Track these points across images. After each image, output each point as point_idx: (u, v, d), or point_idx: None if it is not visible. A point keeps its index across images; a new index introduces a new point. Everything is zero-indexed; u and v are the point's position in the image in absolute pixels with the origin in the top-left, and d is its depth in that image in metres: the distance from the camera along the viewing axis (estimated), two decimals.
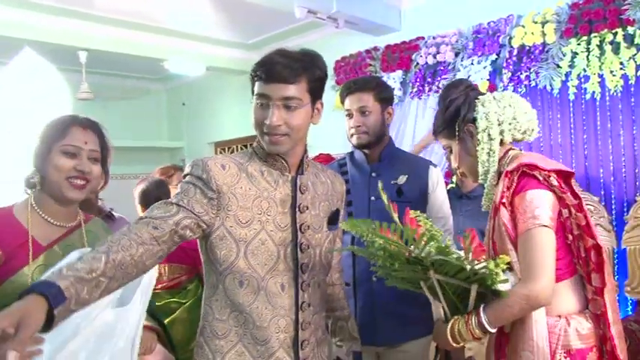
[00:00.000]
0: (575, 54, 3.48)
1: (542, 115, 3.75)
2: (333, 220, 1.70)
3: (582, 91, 3.52)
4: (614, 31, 3.31)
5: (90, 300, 1.26)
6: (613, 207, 3.47)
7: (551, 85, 3.63)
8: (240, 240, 1.51)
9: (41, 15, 4.73)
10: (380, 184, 1.62)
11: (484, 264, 1.46)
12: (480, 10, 4.13)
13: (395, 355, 2.25)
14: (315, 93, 1.56)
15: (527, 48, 3.72)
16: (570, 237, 1.59)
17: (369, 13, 4.54)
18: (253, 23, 5.27)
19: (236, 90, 6.42)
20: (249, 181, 1.53)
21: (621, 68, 3.31)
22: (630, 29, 3.24)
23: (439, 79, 4.24)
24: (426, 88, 4.35)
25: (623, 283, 3.25)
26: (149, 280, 1.70)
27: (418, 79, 4.41)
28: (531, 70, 3.71)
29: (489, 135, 1.68)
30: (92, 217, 1.86)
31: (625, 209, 3.38)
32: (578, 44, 3.45)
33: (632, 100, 3.36)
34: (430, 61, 4.29)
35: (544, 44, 3.64)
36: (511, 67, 3.80)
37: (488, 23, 4.01)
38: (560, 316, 1.57)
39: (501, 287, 1.48)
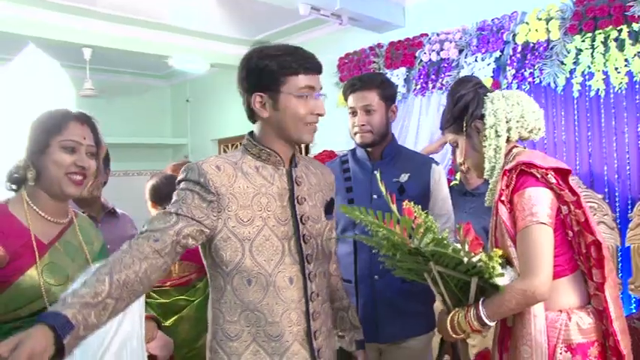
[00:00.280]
0: (579, 51, 3.47)
1: (547, 113, 3.73)
2: (328, 209, 1.72)
3: (586, 88, 3.52)
4: (618, 28, 3.30)
5: (99, 324, 1.26)
6: (617, 205, 3.46)
7: (555, 83, 3.62)
8: (245, 239, 1.51)
9: (45, 12, 4.74)
10: (378, 175, 1.64)
11: (479, 257, 1.48)
12: (484, 6, 4.13)
13: (397, 351, 2.26)
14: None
15: (532, 45, 3.71)
16: (570, 233, 1.62)
17: (373, 9, 4.53)
18: (257, 20, 5.27)
19: None
20: (245, 179, 1.54)
21: (626, 65, 3.30)
22: (635, 26, 3.22)
23: (443, 76, 4.24)
24: (430, 85, 4.34)
25: (627, 281, 3.25)
26: None
27: (422, 76, 4.40)
28: (535, 67, 3.70)
29: (497, 132, 1.69)
30: (78, 212, 1.83)
31: (629, 207, 3.38)
32: (583, 41, 3.44)
33: (637, 97, 3.35)
34: (434, 58, 4.29)
35: (548, 41, 3.62)
36: (515, 64, 3.79)
37: (492, 20, 4.00)
38: (561, 311, 1.59)
39: (498, 281, 1.50)
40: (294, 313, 1.56)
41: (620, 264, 3.32)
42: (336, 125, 3.82)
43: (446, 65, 4.23)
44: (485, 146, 1.72)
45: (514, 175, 1.60)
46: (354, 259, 2.24)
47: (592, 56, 3.41)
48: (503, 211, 1.61)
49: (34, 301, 1.55)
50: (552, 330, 1.57)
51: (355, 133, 2.27)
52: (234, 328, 1.53)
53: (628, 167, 3.42)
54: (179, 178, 1.54)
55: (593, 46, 3.41)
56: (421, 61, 4.40)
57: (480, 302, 1.53)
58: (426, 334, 2.30)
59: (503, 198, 1.61)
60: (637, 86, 3.34)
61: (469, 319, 1.54)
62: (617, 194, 3.47)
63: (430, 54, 4.31)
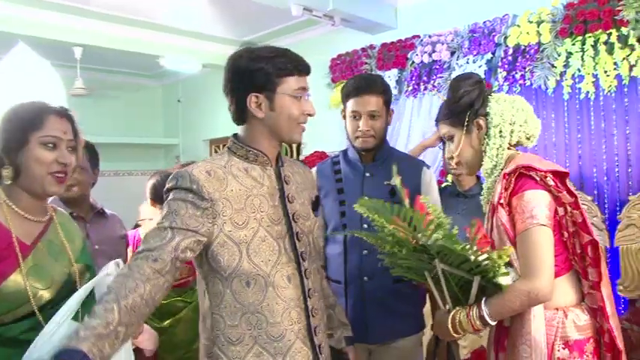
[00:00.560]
0: (569, 54, 3.50)
1: (537, 115, 3.70)
2: (315, 207, 1.74)
3: (577, 90, 3.54)
4: (608, 32, 3.33)
5: (112, 352, 1.28)
6: (606, 206, 3.49)
7: (545, 85, 3.64)
8: (241, 242, 1.50)
9: (36, 10, 4.71)
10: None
11: (486, 255, 1.49)
12: (476, 9, 4.15)
13: (387, 351, 2.26)
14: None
15: (523, 47, 3.73)
16: (566, 234, 1.64)
17: (365, 11, 4.54)
18: (250, 20, 5.26)
19: None
20: (236, 182, 1.54)
21: (615, 68, 3.33)
22: (624, 30, 3.25)
23: (435, 77, 4.25)
24: (422, 87, 4.36)
25: (615, 282, 3.27)
26: None
27: (414, 78, 4.42)
28: (526, 70, 3.72)
29: (501, 132, 1.73)
30: (56, 208, 1.73)
31: (618, 208, 3.40)
32: (573, 44, 3.47)
33: (626, 100, 3.38)
34: (426, 59, 4.30)
35: (539, 44, 3.65)
36: (506, 66, 3.81)
37: (484, 22, 4.02)
38: (557, 309, 1.62)
39: (502, 280, 1.51)
40: (294, 311, 1.56)
41: (609, 265, 3.34)
42: (327, 126, 3.83)
43: (438, 67, 4.25)
44: (487, 145, 1.74)
45: (513, 179, 1.62)
46: (344, 259, 2.24)
47: (582, 59, 3.44)
48: (503, 214, 1.63)
49: (20, 306, 1.47)
50: (550, 328, 1.60)
51: (357, 138, 2.25)
52: (235, 332, 1.52)
53: (617, 169, 3.45)
54: (168, 186, 1.53)
55: (583, 49, 3.43)
56: (413, 62, 4.42)
57: (483, 302, 1.55)
58: (416, 335, 2.31)
59: (502, 201, 1.63)
60: (626, 89, 3.36)
61: (471, 319, 1.55)
62: (606, 196, 3.49)
63: (422, 55, 4.33)
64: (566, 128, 3.66)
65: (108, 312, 1.28)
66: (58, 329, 1.37)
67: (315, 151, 4.90)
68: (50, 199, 1.72)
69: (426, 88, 4.32)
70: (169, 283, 1.43)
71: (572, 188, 1.67)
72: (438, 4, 4.50)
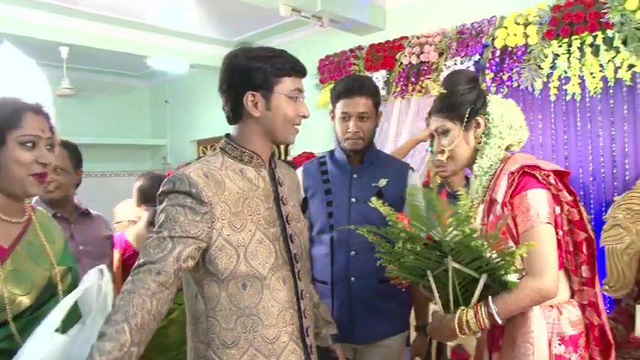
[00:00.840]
0: (556, 55, 3.53)
1: (524, 116, 3.77)
2: (304, 208, 1.77)
3: (563, 92, 3.57)
4: (594, 34, 3.36)
5: None
6: (592, 207, 3.52)
7: (532, 86, 3.67)
8: (239, 245, 1.50)
9: (21, 9, 4.66)
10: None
11: (503, 252, 1.49)
12: (464, 10, 4.16)
13: (373, 350, 2.27)
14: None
15: (510, 49, 3.76)
16: (560, 232, 1.66)
17: (354, 12, 4.55)
18: (238, 21, 5.25)
19: None
20: (233, 184, 1.53)
21: (601, 70, 3.36)
22: (609, 32, 3.28)
23: (423, 78, 4.26)
24: (410, 88, 4.37)
25: (601, 282, 3.29)
26: (108, 297, 1.52)
27: (402, 79, 4.43)
28: (513, 71, 3.75)
29: (501, 133, 1.74)
30: (35, 207, 1.65)
31: (603, 209, 3.43)
32: (560, 46, 3.50)
33: (611, 101, 3.41)
34: (414, 60, 4.32)
35: (526, 45, 3.67)
36: (494, 67, 3.83)
37: (472, 24, 4.04)
38: (552, 306, 1.64)
39: (511, 278, 1.52)
40: (287, 313, 1.57)
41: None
42: (315, 127, 3.82)
43: (426, 68, 4.26)
44: (487, 144, 1.74)
45: (516, 177, 1.63)
46: (330, 260, 2.25)
47: (568, 61, 3.47)
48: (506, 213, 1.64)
49: None
50: (547, 325, 1.62)
51: (346, 139, 2.26)
52: (230, 335, 1.51)
53: (602, 170, 3.48)
54: (164, 189, 1.49)
55: (569, 51, 3.46)
56: (401, 63, 4.43)
57: (490, 300, 1.54)
58: (402, 334, 2.33)
59: (505, 200, 1.64)
60: (611, 91, 3.40)
61: (480, 318, 1.53)
62: (592, 196, 3.53)
63: (410, 57, 4.34)
64: (553, 129, 3.69)
65: (120, 333, 1.27)
66: (42, 345, 1.32)
67: (304, 152, 4.89)
68: (33, 200, 1.68)
69: (414, 90, 4.34)
70: (173, 294, 1.42)
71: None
72: (426, 6, 4.51)
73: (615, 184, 3.44)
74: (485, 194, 1.76)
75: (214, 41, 5.81)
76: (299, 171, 2.31)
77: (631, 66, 3.24)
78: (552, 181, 1.64)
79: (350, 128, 2.23)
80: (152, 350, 2.33)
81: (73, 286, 1.52)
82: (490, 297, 1.55)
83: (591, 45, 3.37)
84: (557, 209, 1.65)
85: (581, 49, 3.42)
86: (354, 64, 4.78)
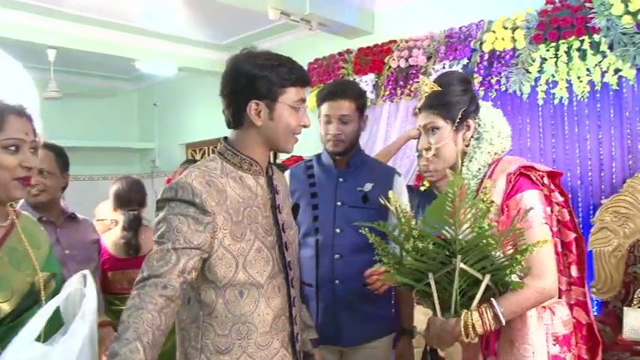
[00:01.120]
0: (544, 60, 3.55)
1: (512, 120, 3.80)
2: (295, 215, 1.75)
3: (551, 96, 3.59)
4: (581, 39, 3.38)
5: None
6: (580, 210, 3.54)
7: (520, 90, 3.69)
8: (239, 255, 1.49)
9: (8, 11, 4.62)
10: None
11: (512, 251, 1.48)
12: (452, 14, 4.19)
13: (358, 353, 2.28)
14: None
15: (498, 53, 3.78)
16: (550, 233, 1.66)
17: (342, 15, 4.55)
18: (226, 24, 5.24)
19: (208, 91, 6.35)
20: (234, 193, 1.52)
21: (588, 74, 3.38)
22: (596, 37, 3.31)
23: (411, 82, 4.28)
24: (398, 92, 4.38)
25: (589, 285, 3.32)
26: (92, 304, 1.49)
27: (390, 82, 4.44)
28: (501, 75, 3.77)
29: (491, 139, 1.74)
30: (19, 211, 1.60)
31: (591, 212, 3.46)
32: (547, 50, 3.52)
33: (598, 105, 3.44)
34: (402, 64, 4.33)
35: (514, 49, 3.69)
36: (482, 71, 3.85)
37: (460, 28, 4.06)
38: (545, 307, 1.64)
39: (515, 278, 1.51)
40: (280, 320, 1.58)
41: None
42: (304, 130, 3.80)
43: (414, 72, 4.27)
44: (478, 148, 1.74)
45: (512, 178, 1.63)
46: (315, 263, 2.25)
47: (556, 65, 3.49)
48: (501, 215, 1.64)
49: None
50: (544, 326, 1.62)
51: (328, 141, 2.28)
52: (225, 341, 1.51)
53: (590, 173, 3.50)
54: (166, 196, 1.46)
55: (557, 55, 3.49)
56: (390, 67, 4.44)
57: (494, 301, 1.52)
58: (388, 336, 2.34)
59: (504, 200, 1.64)
60: (598, 95, 3.42)
61: (485, 320, 1.51)
62: (579, 199, 3.55)
63: (399, 60, 4.35)
64: (541, 133, 3.71)
65: (134, 353, 1.25)
66: (21, 353, 1.28)
67: (293, 155, 4.89)
68: (19, 204, 1.66)
69: (402, 93, 4.35)
70: (179, 305, 1.41)
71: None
72: (415, 10, 4.53)
73: (603, 187, 3.46)
74: (473, 198, 1.76)
75: (203, 44, 5.80)
76: (286, 174, 2.32)
77: (617, 70, 3.27)
78: (546, 181, 1.66)
79: (331, 130, 2.25)
80: None
81: (58, 292, 1.49)
82: (492, 299, 1.53)
83: (578, 49, 3.40)
84: (548, 210, 1.66)
85: (568, 53, 3.44)
86: (343, 67, 4.78)
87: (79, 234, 2.47)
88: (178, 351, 1.60)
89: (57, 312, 1.43)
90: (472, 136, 1.75)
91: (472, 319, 1.51)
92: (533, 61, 3.59)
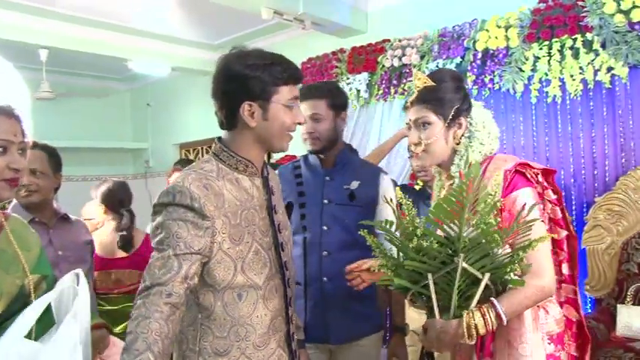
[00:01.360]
0: (537, 58, 3.56)
1: (506, 118, 3.82)
2: (289, 214, 1.73)
3: (544, 94, 3.61)
4: (573, 37, 3.39)
5: None
6: (573, 207, 3.55)
7: (514, 89, 3.70)
8: (238, 258, 1.48)
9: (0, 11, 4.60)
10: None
11: (516, 247, 1.47)
12: (445, 13, 4.19)
13: (348, 351, 2.29)
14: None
15: (491, 52, 3.78)
16: None
17: (336, 15, 4.56)
18: (220, 24, 5.23)
19: (202, 91, 6.32)
20: (231, 195, 1.51)
21: (581, 73, 3.40)
22: (589, 35, 3.32)
23: (405, 81, 4.28)
24: (392, 90, 4.38)
25: (582, 282, 3.33)
26: (84, 303, 1.45)
27: (384, 81, 4.44)
28: (495, 74, 3.78)
29: (482, 139, 1.72)
30: (9, 214, 1.57)
31: (584, 210, 3.47)
32: (540, 49, 3.53)
33: (591, 103, 3.45)
34: (396, 63, 4.33)
35: (507, 48, 3.70)
36: (475, 70, 3.86)
37: (453, 27, 4.06)
38: (538, 306, 1.64)
39: (514, 276, 1.49)
40: (277, 320, 1.58)
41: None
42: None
43: (408, 71, 4.28)
44: (470, 147, 1.71)
45: (508, 175, 1.62)
46: (303, 261, 2.27)
47: (549, 63, 3.50)
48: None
49: None
50: (540, 325, 1.62)
51: (304, 140, 2.33)
52: (223, 343, 1.50)
53: (583, 171, 3.52)
54: (163, 201, 1.44)
55: (549, 53, 3.50)
56: (383, 66, 4.44)
57: (495, 301, 1.50)
58: (376, 334, 2.35)
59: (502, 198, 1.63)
60: (591, 93, 3.44)
61: (487, 320, 1.48)
62: (573, 197, 3.56)
63: (392, 59, 4.35)
64: (534, 131, 3.72)
65: None
66: (10, 348, 1.26)
67: (286, 155, 4.88)
68: (11, 205, 1.64)
69: (396, 92, 4.35)
70: (184, 312, 1.41)
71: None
72: (408, 9, 4.54)
73: (596, 185, 3.47)
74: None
75: (196, 44, 5.79)
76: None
77: (610, 68, 3.29)
78: (540, 179, 1.66)
79: (305, 129, 2.30)
80: None
81: None
82: (493, 298, 1.51)
83: (571, 48, 3.41)
84: (540, 207, 1.66)
85: (561, 51, 3.45)
86: (337, 66, 4.78)
87: (72, 235, 2.46)
88: (176, 353, 1.59)
89: (49, 311, 1.41)
90: (463, 135, 1.73)
91: (475, 320, 1.48)
92: (527, 60, 3.60)
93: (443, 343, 1.53)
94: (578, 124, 3.52)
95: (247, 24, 5.20)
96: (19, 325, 1.31)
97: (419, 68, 4.19)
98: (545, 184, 1.68)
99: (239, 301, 1.50)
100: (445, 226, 1.44)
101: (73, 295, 1.45)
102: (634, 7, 3.15)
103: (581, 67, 3.39)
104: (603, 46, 3.29)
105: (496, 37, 3.73)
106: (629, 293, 3.09)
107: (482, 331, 1.48)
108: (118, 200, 3.05)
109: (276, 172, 2.37)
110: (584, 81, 3.41)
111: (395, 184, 3.25)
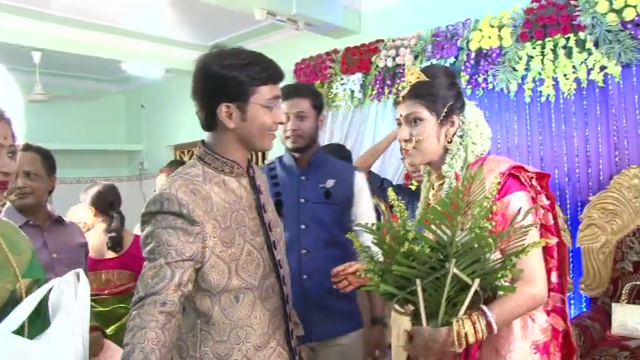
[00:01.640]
0: (530, 57, 3.57)
1: (500, 117, 3.83)
2: (279, 212, 1.75)
3: (537, 93, 3.62)
4: (566, 36, 3.41)
5: None
6: (568, 206, 3.56)
7: (507, 88, 3.71)
8: (231, 260, 1.47)
9: None
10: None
11: (508, 252, 1.42)
12: (439, 13, 4.20)
13: (329, 349, 2.32)
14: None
15: (485, 51, 3.79)
16: None
17: (329, 15, 4.55)
18: (213, 25, 5.22)
19: None
20: (219, 198, 1.49)
21: (574, 72, 3.41)
22: (582, 34, 3.33)
23: (398, 81, 4.28)
24: (386, 91, 4.39)
25: (577, 281, 3.34)
26: (80, 301, 1.42)
27: (378, 82, 4.44)
28: (488, 73, 3.78)
29: (474, 138, 1.67)
30: None
31: (579, 209, 3.48)
32: (534, 48, 3.54)
33: (585, 102, 3.46)
34: (390, 63, 4.33)
35: (501, 48, 3.71)
36: (469, 69, 3.87)
37: (447, 27, 4.07)
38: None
39: (505, 282, 1.43)
40: (275, 319, 1.57)
41: (572, 264, 3.41)
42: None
43: (401, 71, 4.27)
44: (462, 145, 1.66)
45: (501, 179, 1.56)
46: None
47: (542, 63, 3.51)
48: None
49: None
50: (527, 334, 1.57)
51: (287, 138, 2.35)
52: (224, 347, 1.49)
53: (577, 170, 3.53)
54: (151, 209, 1.43)
55: (543, 53, 3.51)
56: (377, 66, 4.44)
57: (485, 308, 1.44)
58: (356, 331, 2.38)
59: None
60: (584, 92, 3.45)
61: (478, 328, 1.42)
62: (567, 196, 3.57)
63: (386, 59, 4.36)
64: (528, 130, 3.73)
65: None
66: (1, 346, 1.24)
67: (277, 157, 4.89)
68: (4, 208, 1.62)
69: (390, 92, 4.36)
70: (180, 320, 1.40)
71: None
72: (401, 9, 4.54)
73: (590, 184, 3.48)
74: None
75: (189, 45, 5.77)
76: None
77: (603, 67, 3.30)
78: (534, 183, 1.61)
79: (289, 127, 2.32)
80: None
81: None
82: (483, 306, 1.44)
83: (564, 47, 3.42)
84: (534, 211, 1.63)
85: (554, 51, 3.46)
86: (330, 67, 4.78)
87: (66, 238, 2.45)
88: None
89: (45, 312, 1.39)
90: (455, 133, 1.67)
91: (465, 328, 1.41)
92: (520, 59, 3.61)
93: (430, 352, 1.46)
94: (572, 123, 3.53)
95: (241, 25, 5.19)
96: (9, 321, 1.28)
97: None
98: (539, 188, 1.64)
99: (236, 304, 1.49)
100: (437, 230, 1.38)
101: (69, 294, 1.42)
102: (626, 6, 3.17)
103: (574, 66, 3.40)
104: (596, 45, 3.30)
105: (489, 37, 3.74)
106: (623, 292, 3.10)
107: (471, 339, 1.41)
108: (108, 203, 3.11)
109: None
110: (577, 80, 3.42)
111: (390, 184, 3.26)
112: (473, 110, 1.73)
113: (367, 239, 1.55)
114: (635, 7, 3.15)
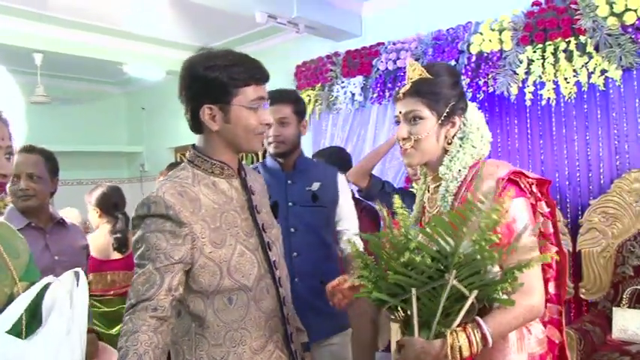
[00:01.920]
0: (531, 61, 3.57)
1: (500, 121, 3.83)
2: (275, 214, 1.75)
3: (538, 97, 3.61)
4: (567, 40, 3.41)
5: None
6: (568, 210, 3.56)
7: (508, 92, 3.70)
8: (222, 261, 1.46)
9: None
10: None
11: (507, 267, 1.37)
12: (439, 17, 4.20)
13: (320, 349, 2.35)
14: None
15: (485, 55, 3.79)
16: None
17: (330, 18, 4.55)
18: (214, 27, 5.23)
19: None
20: (208, 200, 1.49)
21: (574, 75, 3.41)
22: (582, 38, 3.34)
23: (399, 84, 4.27)
24: (387, 94, 4.39)
25: (578, 285, 3.33)
26: (77, 299, 1.41)
27: (379, 85, 4.45)
28: (489, 77, 3.78)
29: (475, 141, 1.62)
30: None
31: (580, 213, 3.48)
32: (534, 52, 3.54)
33: (585, 106, 3.47)
34: (390, 66, 4.34)
35: (501, 51, 3.71)
36: (470, 73, 3.87)
37: (447, 30, 4.07)
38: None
39: (503, 295, 1.37)
40: (272, 321, 1.56)
41: (572, 269, 3.40)
42: None
43: (402, 74, 4.27)
44: (462, 148, 1.61)
45: (501, 185, 1.50)
46: None
47: (543, 66, 3.51)
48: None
49: None
50: (524, 346, 1.53)
51: (269, 144, 2.38)
52: (220, 350, 1.49)
53: (578, 174, 3.53)
54: (140, 213, 1.43)
55: (543, 56, 3.51)
56: (378, 69, 4.45)
57: (481, 321, 1.38)
58: (344, 332, 2.44)
59: None
60: (585, 96, 3.45)
61: (473, 341, 1.36)
62: (568, 200, 3.57)
63: (387, 63, 4.36)
64: (529, 134, 3.74)
65: None
66: None
67: None
68: (7, 209, 1.62)
69: (391, 95, 4.36)
70: (173, 323, 1.41)
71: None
72: (402, 12, 4.54)
73: (591, 187, 3.48)
74: (452, 202, 1.59)
75: (190, 48, 5.74)
76: None
77: (604, 71, 3.30)
78: (534, 190, 1.56)
79: (271, 133, 2.35)
80: None
81: None
82: (478, 318, 1.39)
83: (565, 50, 3.42)
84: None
85: (555, 54, 3.47)
86: (331, 70, 4.78)
87: (69, 240, 2.45)
88: None
89: (40, 312, 1.36)
90: (455, 135, 1.62)
91: (459, 341, 1.35)
92: (521, 63, 3.61)
93: None
94: (573, 127, 3.53)
95: (241, 28, 5.19)
96: (1, 320, 1.27)
97: None
98: (539, 195, 1.58)
99: (230, 305, 1.48)
100: (441, 240, 1.33)
101: (66, 294, 1.40)
102: (627, 10, 3.17)
103: (575, 70, 3.40)
104: (597, 48, 3.30)
105: (490, 40, 3.74)
106: (624, 296, 3.10)
107: (466, 353, 1.35)
108: (112, 204, 3.13)
109: None
110: (578, 84, 3.42)
111: (392, 187, 3.26)
112: (475, 112, 1.67)
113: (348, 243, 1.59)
114: (635, 10, 3.15)
